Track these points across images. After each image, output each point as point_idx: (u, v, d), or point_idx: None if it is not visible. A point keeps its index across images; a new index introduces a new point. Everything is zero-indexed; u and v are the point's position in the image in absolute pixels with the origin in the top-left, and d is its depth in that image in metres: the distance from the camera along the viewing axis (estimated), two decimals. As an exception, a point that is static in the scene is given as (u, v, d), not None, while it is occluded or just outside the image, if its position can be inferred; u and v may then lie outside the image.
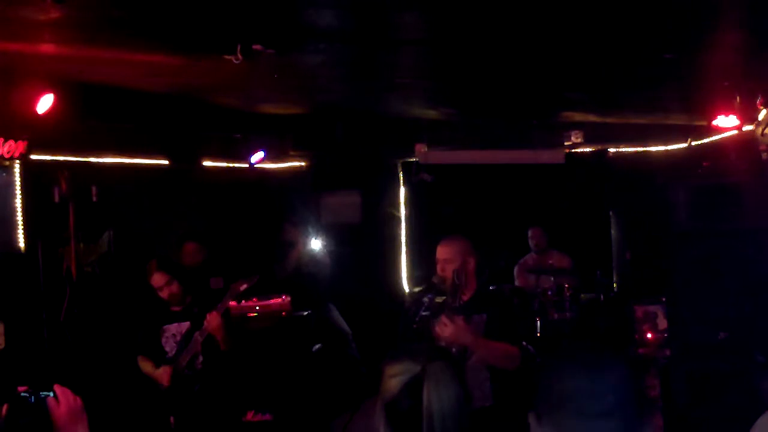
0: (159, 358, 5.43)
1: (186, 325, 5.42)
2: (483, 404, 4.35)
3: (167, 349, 5.43)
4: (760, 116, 6.65)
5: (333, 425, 7.24)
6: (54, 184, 6.38)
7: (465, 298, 4.63)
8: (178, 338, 5.41)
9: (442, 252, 4.72)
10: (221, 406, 5.44)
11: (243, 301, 7.15)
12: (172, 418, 5.38)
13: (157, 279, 5.39)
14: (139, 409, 5.83)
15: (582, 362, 1.84)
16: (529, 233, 8.64)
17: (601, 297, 8.33)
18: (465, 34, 4.89)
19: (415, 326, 7.55)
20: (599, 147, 9.52)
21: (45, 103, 5.72)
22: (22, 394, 2.11)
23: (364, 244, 9.48)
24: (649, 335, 7.19)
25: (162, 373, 5.33)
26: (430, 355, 2.34)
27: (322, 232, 9.15)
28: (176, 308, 5.47)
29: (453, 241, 4.78)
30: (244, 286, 5.52)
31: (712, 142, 8.14)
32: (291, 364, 7.31)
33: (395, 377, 2.30)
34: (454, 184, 9.60)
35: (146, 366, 5.49)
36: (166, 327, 5.46)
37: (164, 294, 5.40)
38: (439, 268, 4.70)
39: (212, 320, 5.26)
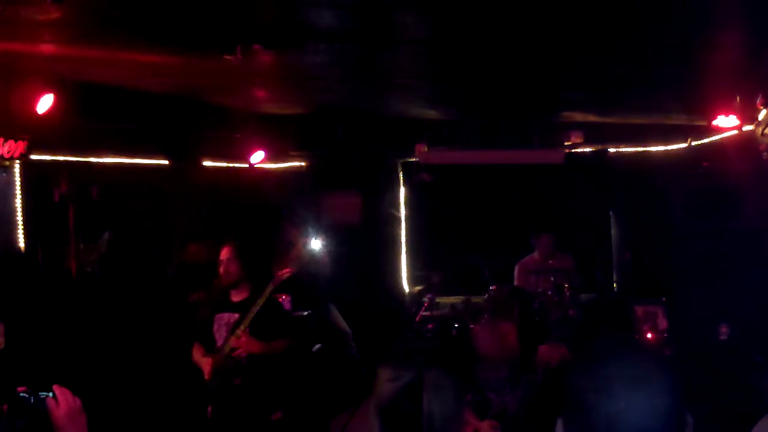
0: (210, 346, 5.44)
1: (236, 316, 5.42)
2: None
3: (217, 337, 5.44)
4: (760, 116, 6.64)
5: (333, 425, 7.25)
6: (54, 184, 6.38)
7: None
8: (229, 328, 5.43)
9: (490, 340, 4.53)
10: (257, 403, 5.42)
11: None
12: (209, 408, 5.39)
13: (224, 252, 5.48)
14: (163, 399, 5.87)
15: (624, 379, 1.66)
16: (541, 240, 8.53)
17: (601, 297, 8.32)
18: (465, 35, 4.89)
19: (415, 326, 7.56)
20: (599, 147, 9.51)
21: (45, 103, 5.72)
22: (22, 394, 2.11)
23: (364, 244, 9.47)
24: (649, 335, 7.19)
25: (204, 363, 5.35)
26: (426, 359, 2.34)
27: (322, 232, 9.14)
28: (237, 298, 5.47)
29: (498, 323, 4.61)
30: (287, 274, 5.55)
31: (712, 142, 8.13)
32: (291, 364, 7.31)
33: (390, 382, 2.30)
34: (454, 184, 9.60)
35: (196, 354, 5.51)
36: (218, 315, 5.48)
37: (222, 269, 5.46)
38: (497, 351, 4.50)
39: (246, 344, 5.30)
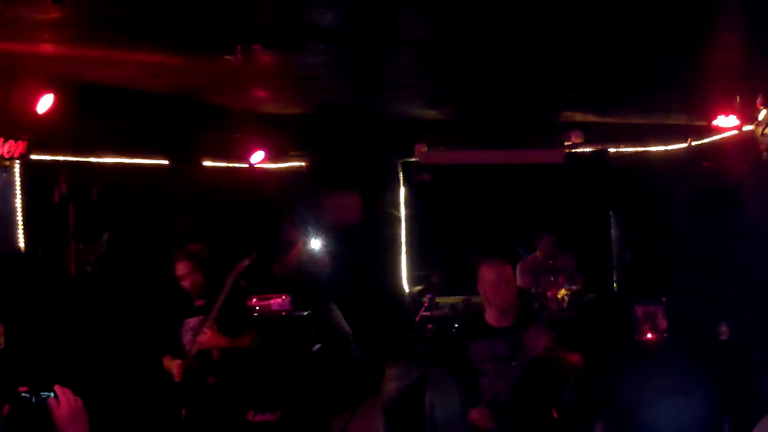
0: (179, 352, 5.40)
1: (201, 318, 5.37)
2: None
3: (185, 342, 5.40)
4: (760, 116, 6.65)
5: (333, 425, 7.25)
6: (54, 184, 6.37)
7: (514, 317, 4.53)
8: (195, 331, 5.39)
9: (497, 274, 4.51)
10: (232, 402, 5.40)
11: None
12: (183, 411, 5.37)
13: (180, 267, 5.36)
14: (148, 403, 5.80)
15: (664, 389, 1.68)
16: (543, 240, 8.52)
17: (601, 297, 8.32)
18: (465, 35, 4.89)
19: (415, 326, 7.54)
20: (599, 147, 9.52)
21: (45, 103, 5.71)
22: (23, 394, 2.11)
23: (364, 244, 9.48)
24: (649, 335, 7.18)
25: (174, 366, 5.31)
26: (432, 358, 2.34)
27: (322, 232, 9.15)
28: (200, 302, 5.42)
29: (499, 261, 4.59)
30: (246, 263, 5.49)
31: (712, 142, 8.14)
32: (291, 364, 7.31)
33: (393, 380, 2.30)
34: (454, 184, 9.60)
35: (166, 359, 5.47)
36: (185, 321, 5.43)
37: (186, 283, 5.36)
38: (502, 292, 4.50)
39: (210, 339, 5.24)
